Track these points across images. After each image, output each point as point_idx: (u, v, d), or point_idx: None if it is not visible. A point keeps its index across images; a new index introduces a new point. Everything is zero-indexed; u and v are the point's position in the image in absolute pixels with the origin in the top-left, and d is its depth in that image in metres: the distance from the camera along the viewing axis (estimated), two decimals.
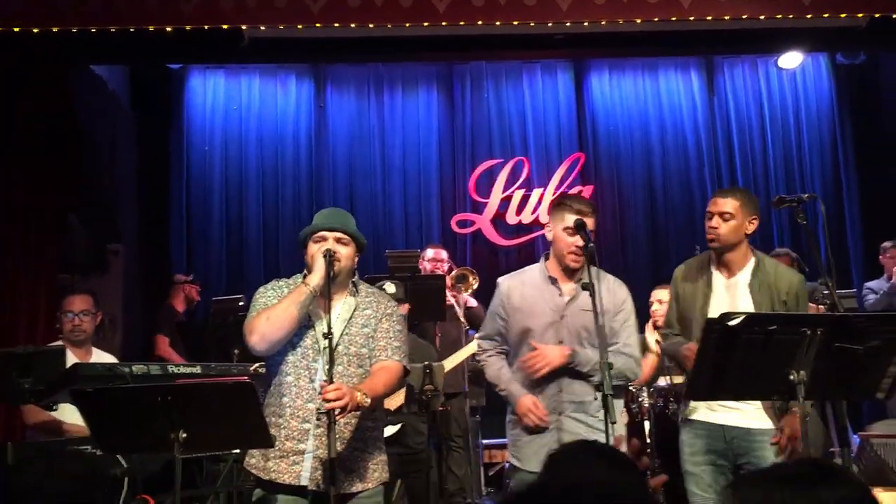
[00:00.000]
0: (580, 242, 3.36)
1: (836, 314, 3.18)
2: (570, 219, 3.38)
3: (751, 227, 3.56)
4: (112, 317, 6.20)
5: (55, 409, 4.06)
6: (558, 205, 3.49)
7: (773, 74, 8.62)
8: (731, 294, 3.51)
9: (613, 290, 3.48)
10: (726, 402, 3.35)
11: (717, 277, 3.57)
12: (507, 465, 3.56)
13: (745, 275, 3.52)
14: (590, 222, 3.39)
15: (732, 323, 2.61)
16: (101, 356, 4.52)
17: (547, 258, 3.56)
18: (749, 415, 3.40)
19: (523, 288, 3.51)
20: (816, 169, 8.52)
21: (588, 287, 3.16)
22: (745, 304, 3.43)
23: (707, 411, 3.44)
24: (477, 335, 3.80)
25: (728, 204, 3.52)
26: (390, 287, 4.67)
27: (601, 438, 3.03)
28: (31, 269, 5.63)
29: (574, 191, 8.34)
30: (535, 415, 3.35)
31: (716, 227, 3.52)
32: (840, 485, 1.36)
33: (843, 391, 2.92)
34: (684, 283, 3.63)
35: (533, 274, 3.56)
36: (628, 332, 3.48)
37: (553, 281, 3.46)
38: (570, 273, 3.46)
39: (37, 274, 5.62)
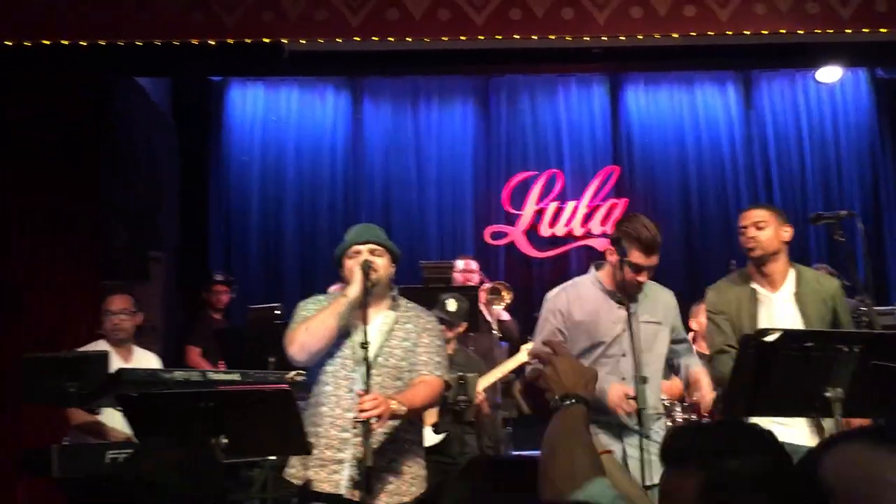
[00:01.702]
0: (642, 279, 3.38)
1: (873, 331, 3.17)
2: (636, 257, 3.34)
3: (787, 235, 3.58)
4: (154, 324, 6.31)
5: (99, 413, 4.16)
6: (626, 234, 3.39)
7: (812, 88, 8.55)
8: (781, 309, 3.50)
9: (666, 304, 3.55)
10: (773, 418, 3.33)
11: (762, 292, 3.55)
12: None
13: (789, 286, 3.52)
14: (649, 261, 3.37)
15: (769, 339, 2.61)
16: (142, 355, 4.62)
17: (598, 268, 3.56)
18: (796, 432, 3.38)
19: (582, 301, 3.50)
20: (855, 184, 8.42)
21: (623, 303, 3.19)
22: (794, 317, 3.43)
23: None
24: (534, 350, 3.74)
25: (759, 214, 3.58)
26: (451, 304, 4.69)
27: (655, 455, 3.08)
28: (76, 276, 5.76)
29: (608, 204, 8.35)
30: (628, 403, 3.25)
31: (753, 237, 3.54)
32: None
33: (880, 409, 2.90)
34: (727, 299, 3.59)
35: (587, 287, 3.54)
36: (687, 344, 3.62)
37: (611, 294, 3.48)
38: (625, 295, 3.45)
39: (81, 281, 5.75)
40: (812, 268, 6.62)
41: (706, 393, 3.55)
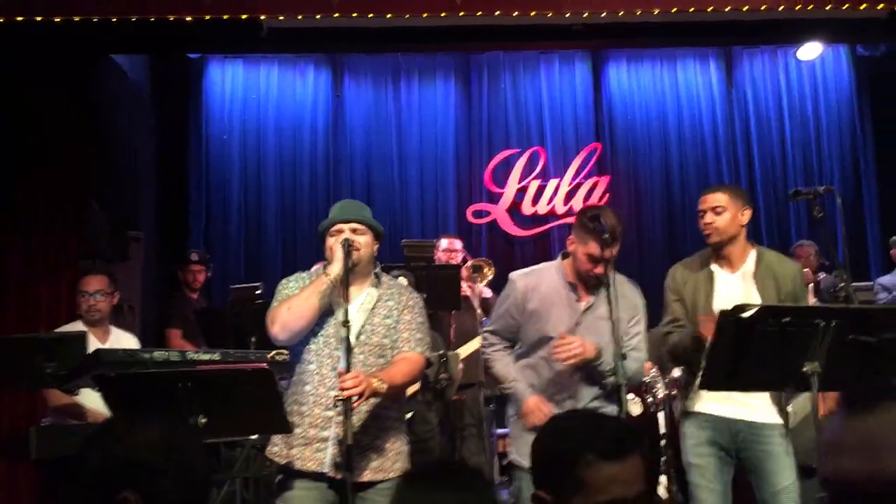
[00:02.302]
0: (599, 271, 3.33)
1: (850, 306, 3.19)
2: (593, 248, 3.31)
3: (745, 218, 3.58)
4: (131, 304, 6.26)
5: (77, 394, 4.13)
6: (584, 228, 3.37)
7: (793, 65, 8.57)
8: (737, 287, 3.51)
9: (630, 297, 3.49)
10: (732, 395, 3.36)
11: (719, 272, 3.57)
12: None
13: (748, 266, 3.54)
14: (610, 252, 3.32)
15: (746, 315, 2.63)
16: (119, 335, 4.59)
17: (565, 257, 3.54)
18: (756, 409, 3.42)
19: (540, 290, 3.48)
20: (836, 161, 8.47)
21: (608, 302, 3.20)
22: (751, 297, 3.44)
23: (712, 404, 3.45)
24: (485, 328, 3.78)
25: (717, 199, 3.56)
26: (403, 279, 4.70)
27: None
28: (53, 256, 5.71)
29: (590, 182, 8.35)
30: (541, 413, 3.32)
31: (710, 222, 3.54)
32: None
33: (857, 382, 2.92)
34: (685, 280, 3.60)
35: (551, 276, 3.51)
36: (640, 337, 3.50)
37: (572, 287, 3.46)
38: (588, 289, 3.46)
39: (58, 260, 5.70)
40: (797, 243, 6.73)
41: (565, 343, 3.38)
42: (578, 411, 2.97)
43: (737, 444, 3.43)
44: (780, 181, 8.31)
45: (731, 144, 8.54)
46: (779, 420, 3.41)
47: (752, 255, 3.58)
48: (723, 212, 3.53)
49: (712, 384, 2.84)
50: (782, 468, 3.34)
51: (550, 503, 1.69)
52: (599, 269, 3.32)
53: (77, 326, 4.47)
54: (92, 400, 4.22)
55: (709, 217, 3.55)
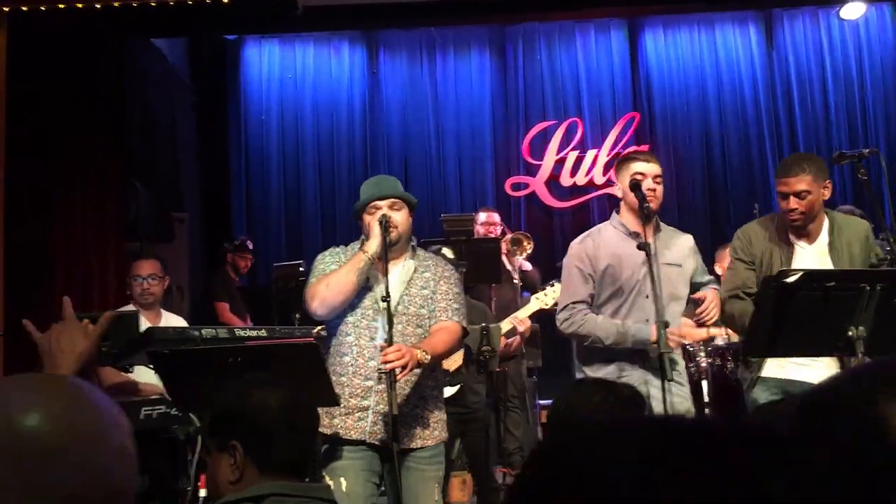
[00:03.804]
0: (651, 185, 3.40)
1: (894, 270, 3.15)
2: (635, 166, 3.45)
3: (827, 192, 3.44)
4: (179, 284, 6.39)
5: (131, 371, 4.24)
6: (624, 160, 3.57)
7: (835, 26, 8.37)
8: (815, 262, 3.41)
9: (683, 245, 3.54)
10: (797, 359, 3.33)
11: (798, 244, 3.48)
12: None
13: (824, 237, 3.46)
14: (653, 169, 3.44)
15: (789, 280, 2.62)
16: (170, 319, 4.70)
17: (618, 212, 3.58)
18: (822, 372, 3.37)
19: (606, 246, 3.51)
20: (881, 122, 8.29)
21: (644, 247, 3.18)
22: (829, 267, 3.36)
23: (780, 368, 3.40)
24: (564, 303, 3.62)
25: (801, 182, 3.35)
26: (448, 252, 4.74)
27: (686, 400, 3.24)
28: (100, 237, 5.83)
29: (629, 151, 8.28)
30: (674, 335, 3.27)
31: (795, 208, 3.37)
32: None
33: None
34: (762, 248, 3.48)
35: (609, 231, 3.56)
36: (704, 273, 3.60)
37: (635, 235, 3.46)
38: (647, 224, 3.43)
39: (105, 241, 5.83)
40: (839, 208, 6.62)
41: (707, 305, 3.46)
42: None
43: None
44: (824, 146, 8.15)
45: (772, 110, 8.40)
46: None
47: (826, 225, 3.48)
48: (807, 196, 3.35)
49: (754, 350, 2.84)
50: None
51: None
52: (652, 185, 3.37)
53: (130, 309, 4.58)
54: (145, 377, 4.33)
55: (793, 203, 3.37)
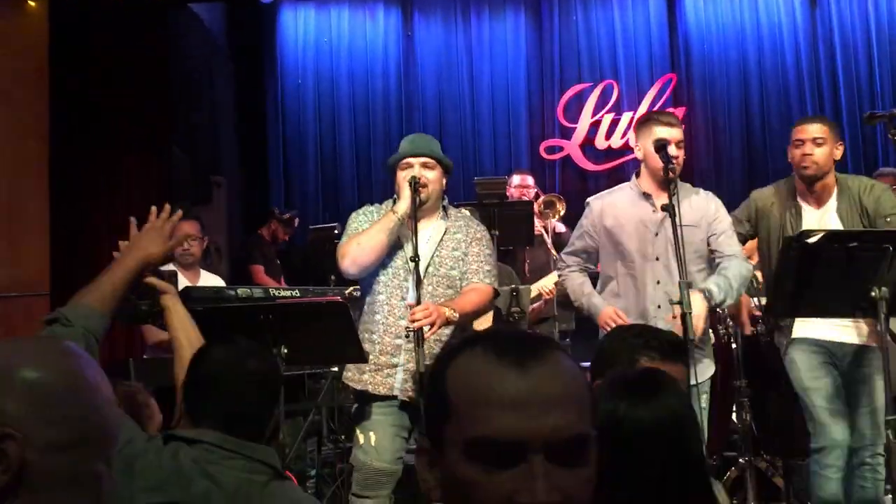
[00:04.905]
0: (674, 152, 3.36)
1: None
2: (659, 131, 3.38)
3: (838, 153, 3.51)
4: (217, 246, 6.54)
5: None
6: (645, 121, 3.51)
7: None
8: (823, 224, 3.43)
9: (699, 205, 3.47)
10: (834, 320, 3.34)
11: (807, 209, 3.49)
12: None
13: (833, 202, 3.47)
14: (677, 134, 3.39)
15: (812, 240, 2.62)
16: (208, 278, 4.83)
17: (637, 175, 3.56)
18: (859, 331, 3.39)
19: (616, 207, 3.51)
20: None
21: (667, 209, 3.17)
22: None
23: (818, 328, 3.42)
24: (563, 251, 3.84)
25: (818, 129, 3.46)
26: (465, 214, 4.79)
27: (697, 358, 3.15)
28: (141, 200, 5.98)
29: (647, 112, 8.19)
30: (618, 321, 3.31)
31: (810, 154, 3.43)
32: (671, 394, 1.40)
33: None
34: (769, 209, 3.55)
35: (624, 192, 3.57)
36: (730, 240, 3.44)
37: (647, 196, 3.46)
38: (665, 187, 3.41)
39: (147, 204, 5.97)
40: (878, 171, 6.49)
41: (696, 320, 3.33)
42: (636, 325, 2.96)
43: (844, 365, 3.42)
44: (868, 107, 7.95)
45: (814, 73, 8.21)
46: (862, 340, 3.39)
47: (835, 190, 3.51)
48: (822, 143, 3.44)
49: (777, 311, 2.86)
50: (881, 388, 3.29)
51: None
52: (675, 153, 3.34)
53: (169, 269, 4.71)
54: None
55: (808, 147, 3.44)
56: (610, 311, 3.39)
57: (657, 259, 3.38)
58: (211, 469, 1.73)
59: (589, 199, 3.68)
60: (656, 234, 3.39)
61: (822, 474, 3.33)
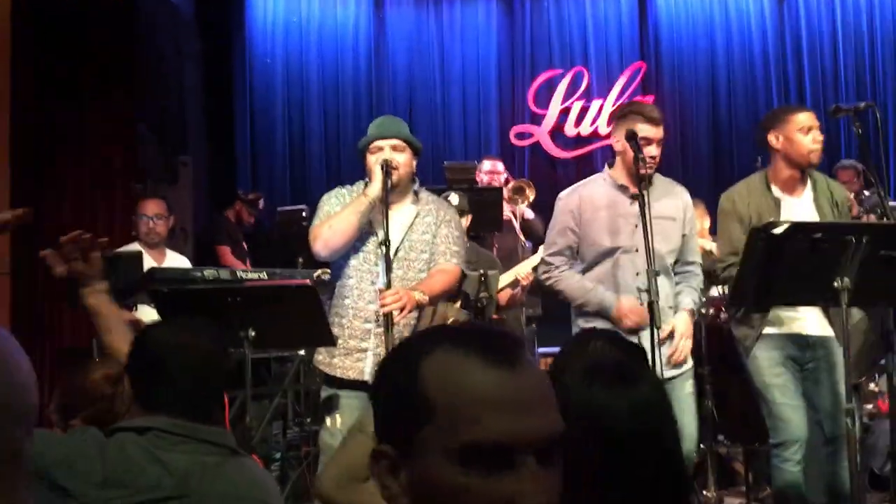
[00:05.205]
0: (654, 152, 3.34)
1: (881, 222, 3.19)
2: (641, 129, 3.32)
3: None
4: (183, 226, 6.46)
5: (134, 310, 4.34)
6: (627, 114, 3.44)
7: None
8: (802, 213, 3.45)
9: (678, 200, 3.50)
10: (800, 310, 3.37)
11: (785, 199, 3.51)
12: None
13: (808, 192, 3.51)
14: (658, 133, 3.37)
15: (777, 231, 2.66)
16: (174, 258, 4.77)
17: (610, 167, 3.54)
18: (819, 323, 3.43)
19: (592, 199, 3.47)
20: (889, 79, 8.23)
21: (636, 198, 3.18)
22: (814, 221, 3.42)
23: (780, 325, 3.44)
24: (544, 254, 3.71)
25: (816, 121, 3.48)
26: (454, 198, 4.78)
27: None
28: (106, 179, 5.89)
29: (631, 101, 8.24)
30: (636, 315, 3.30)
31: (820, 140, 3.43)
32: (646, 382, 1.39)
33: (888, 298, 2.96)
34: (747, 204, 3.50)
35: (598, 185, 3.51)
36: (694, 243, 3.53)
37: (623, 189, 3.43)
38: (638, 181, 3.36)
39: (111, 183, 5.88)
40: (840, 163, 6.62)
41: (675, 345, 3.42)
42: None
43: (805, 357, 3.46)
44: (832, 101, 8.08)
45: (781, 63, 8.34)
46: (827, 331, 3.44)
47: (808, 180, 3.55)
48: (820, 137, 3.47)
49: (741, 300, 2.90)
50: (842, 378, 3.33)
51: None
52: (654, 150, 3.34)
53: (134, 248, 4.66)
54: (148, 316, 4.43)
55: (817, 134, 3.43)
56: (628, 303, 3.33)
57: (636, 251, 3.37)
58: (162, 455, 1.70)
59: (561, 195, 3.61)
60: (636, 226, 3.36)
61: (782, 468, 3.39)
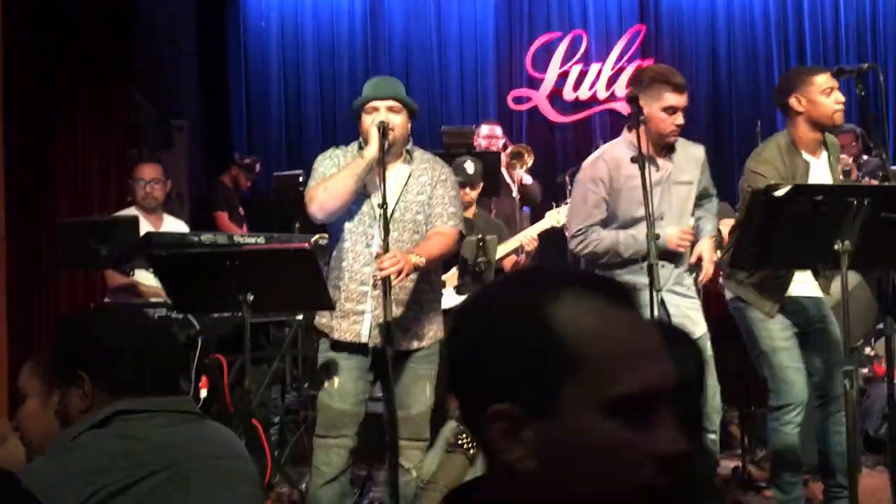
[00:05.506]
0: (680, 121, 3.33)
1: (882, 184, 3.17)
2: (669, 98, 3.30)
3: None
4: (179, 191, 6.43)
5: (131, 274, 4.33)
6: (654, 81, 3.37)
7: None
8: (824, 175, 3.44)
9: (695, 158, 3.53)
10: (801, 275, 3.37)
11: (811, 161, 3.44)
12: None
13: (824, 152, 3.49)
14: (684, 101, 3.36)
15: (778, 194, 2.64)
16: (172, 223, 4.76)
17: (630, 129, 3.42)
18: (816, 286, 3.44)
19: (620, 168, 3.42)
20: (891, 41, 8.16)
21: (636, 160, 3.14)
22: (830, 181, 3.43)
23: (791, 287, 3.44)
24: (577, 227, 3.56)
25: (836, 81, 3.41)
26: (469, 165, 4.75)
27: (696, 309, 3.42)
28: (101, 143, 5.84)
29: (633, 66, 8.16)
30: (687, 235, 3.40)
31: (843, 100, 3.38)
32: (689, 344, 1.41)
33: (888, 261, 2.95)
34: (785, 172, 3.47)
35: (622, 151, 3.44)
36: (709, 177, 3.66)
37: (648, 158, 3.31)
38: (662, 148, 3.42)
39: (107, 147, 5.84)
40: (839, 127, 6.59)
41: (705, 269, 3.63)
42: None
43: (807, 321, 3.47)
44: (832, 61, 8.02)
45: (782, 25, 8.26)
46: (822, 294, 3.47)
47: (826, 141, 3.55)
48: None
49: (741, 262, 2.89)
50: (840, 341, 3.33)
51: None
52: (680, 120, 3.33)
53: (132, 213, 4.63)
54: (146, 281, 4.42)
55: (839, 95, 3.37)
56: (676, 230, 3.37)
57: (661, 218, 3.35)
58: (138, 434, 1.69)
59: (585, 164, 3.56)
60: (661, 193, 3.38)
61: (783, 430, 3.41)
